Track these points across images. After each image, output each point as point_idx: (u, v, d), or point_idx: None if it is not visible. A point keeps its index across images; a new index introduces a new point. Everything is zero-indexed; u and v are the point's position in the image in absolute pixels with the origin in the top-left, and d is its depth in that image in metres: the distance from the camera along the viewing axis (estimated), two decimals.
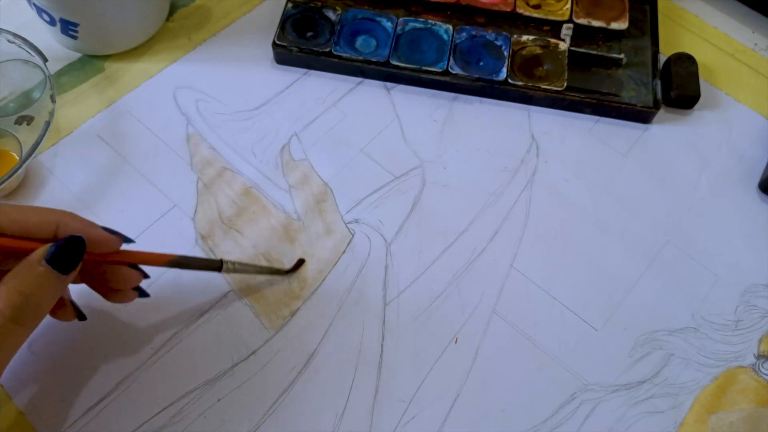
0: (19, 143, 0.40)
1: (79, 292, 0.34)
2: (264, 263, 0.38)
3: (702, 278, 0.39)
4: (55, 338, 0.35)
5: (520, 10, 0.48)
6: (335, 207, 0.41)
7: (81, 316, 0.33)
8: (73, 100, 0.44)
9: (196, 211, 0.40)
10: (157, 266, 0.33)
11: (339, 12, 0.47)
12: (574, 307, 0.38)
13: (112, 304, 0.36)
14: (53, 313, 0.32)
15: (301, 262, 0.38)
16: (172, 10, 0.49)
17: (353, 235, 0.40)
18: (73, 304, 0.33)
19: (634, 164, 0.44)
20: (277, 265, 0.38)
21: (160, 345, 0.35)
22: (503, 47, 0.46)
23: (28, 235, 0.28)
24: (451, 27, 0.47)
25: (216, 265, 0.34)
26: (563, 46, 0.46)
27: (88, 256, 0.30)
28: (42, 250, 0.28)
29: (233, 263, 0.35)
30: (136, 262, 0.32)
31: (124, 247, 0.32)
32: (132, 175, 0.41)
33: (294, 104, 0.45)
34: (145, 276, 0.33)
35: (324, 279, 0.38)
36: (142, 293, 0.34)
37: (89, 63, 0.46)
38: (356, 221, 0.40)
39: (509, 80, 0.45)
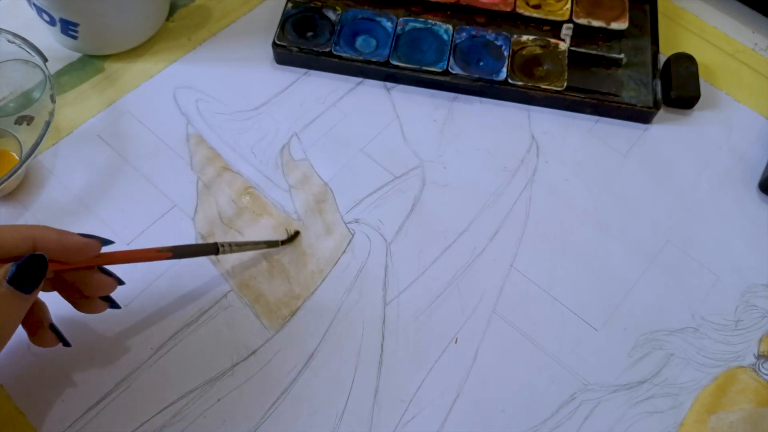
0: (19, 143, 0.40)
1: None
2: (264, 264, 0.38)
3: (702, 278, 0.39)
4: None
5: (520, 10, 0.48)
6: (335, 207, 0.41)
7: (65, 343, 0.32)
8: (73, 100, 0.44)
9: (196, 211, 0.40)
10: (151, 261, 0.32)
11: (339, 12, 0.47)
12: (574, 307, 0.38)
13: None
14: (32, 338, 0.32)
15: (296, 234, 0.39)
16: (172, 10, 0.49)
17: (353, 235, 0.40)
18: (54, 329, 0.32)
19: (634, 164, 0.44)
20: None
21: (160, 345, 0.35)
22: (503, 47, 0.46)
23: (7, 256, 0.28)
24: (451, 27, 0.47)
25: (212, 249, 0.34)
26: (563, 46, 0.46)
27: (65, 266, 0.29)
28: (2, 271, 0.27)
29: (229, 244, 0.35)
30: (126, 261, 0.32)
31: (109, 249, 0.31)
32: (132, 175, 0.41)
33: (294, 104, 0.45)
34: (120, 282, 0.33)
35: (324, 279, 0.38)
36: (114, 304, 0.33)
37: (89, 63, 0.46)
38: (356, 221, 0.40)
39: (509, 80, 0.45)
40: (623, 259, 0.40)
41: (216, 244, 0.34)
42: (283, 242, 0.38)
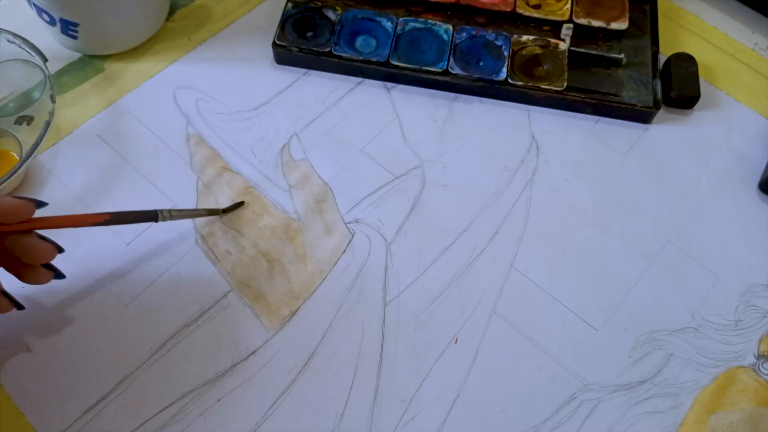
0: (19, 143, 0.40)
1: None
2: (264, 264, 0.38)
3: (702, 278, 0.39)
4: (55, 338, 0.35)
5: (520, 10, 0.48)
6: (335, 207, 0.41)
7: (18, 306, 0.32)
8: (73, 100, 0.44)
9: None
10: (88, 226, 0.32)
11: (339, 12, 0.47)
12: (574, 307, 0.38)
13: (112, 304, 0.36)
14: None
15: (239, 204, 0.40)
16: (172, 10, 0.49)
17: (353, 235, 0.40)
18: (6, 294, 0.31)
19: (634, 164, 0.44)
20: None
21: (160, 345, 0.35)
22: (503, 47, 0.46)
23: None
24: (451, 27, 0.47)
25: (151, 216, 0.35)
26: (563, 46, 0.46)
27: (3, 227, 0.29)
28: None
29: (168, 211, 0.36)
30: (62, 226, 0.31)
31: (43, 213, 0.31)
32: (132, 175, 0.41)
33: (294, 104, 0.45)
34: (60, 250, 0.32)
35: (324, 279, 0.38)
36: (58, 274, 0.33)
37: (89, 63, 0.46)
38: (356, 221, 0.40)
39: (509, 80, 0.45)
40: (623, 259, 0.40)
41: (155, 210, 0.35)
42: (225, 210, 0.39)
